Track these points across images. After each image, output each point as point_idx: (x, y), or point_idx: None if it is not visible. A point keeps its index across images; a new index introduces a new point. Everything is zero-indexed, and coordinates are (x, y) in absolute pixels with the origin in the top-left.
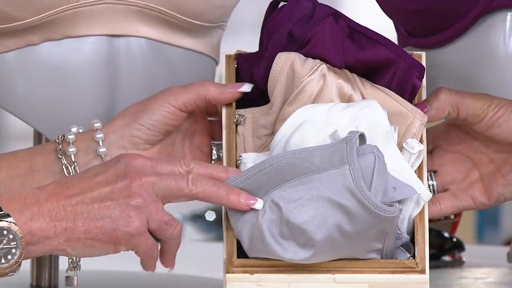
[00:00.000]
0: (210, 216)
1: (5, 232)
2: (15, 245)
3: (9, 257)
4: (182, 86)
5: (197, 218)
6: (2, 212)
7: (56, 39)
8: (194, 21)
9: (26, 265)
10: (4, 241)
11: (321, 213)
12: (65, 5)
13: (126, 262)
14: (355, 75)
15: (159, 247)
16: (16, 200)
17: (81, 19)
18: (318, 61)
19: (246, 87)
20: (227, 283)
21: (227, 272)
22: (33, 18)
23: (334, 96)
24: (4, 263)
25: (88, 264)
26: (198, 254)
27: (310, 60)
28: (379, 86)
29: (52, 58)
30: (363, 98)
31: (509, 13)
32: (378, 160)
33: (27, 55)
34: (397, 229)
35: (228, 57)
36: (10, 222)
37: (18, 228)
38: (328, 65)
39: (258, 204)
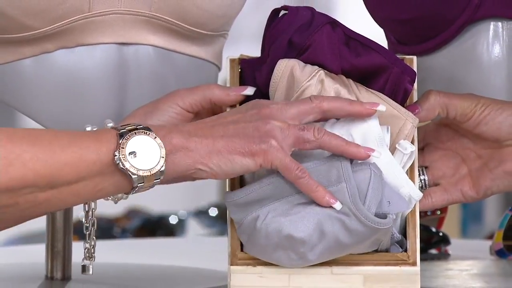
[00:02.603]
0: (213, 212)
1: (145, 141)
2: (156, 153)
3: (152, 163)
4: (189, 88)
5: (201, 214)
6: (142, 126)
7: (70, 47)
8: (198, 30)
9: (41, 257)
10: (146, 149)
11: (320, 226)
12: (78, 15)
13: (133, 255)
14: (351, 80)
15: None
16: (155, 125)
17: (92, 28)
18: (316, 67)
19: (249, 90)
20: (231, 275)
21: (231, 265)
22: (48, 28)
23: None
24: (147, 168)
25: (100, 256)
26: (202, 248)
27: (309, 66)
28: (373, 91)
29: (66, 64)
30: (358, 99)
31: (492, 23)
32: (373, 176)
33: (42, 62)
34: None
35: (232, 61)
36: (150, 132)
37: (157, 137)
38: (325, 71)
39: (376, 153)
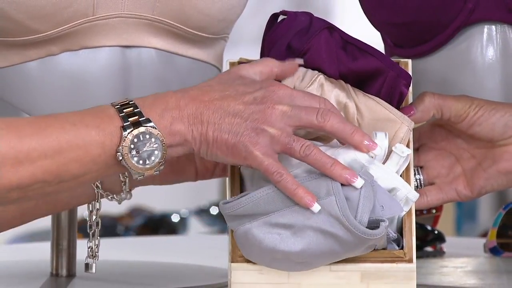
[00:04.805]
0: (214, 210)
1: (147, 136)
2: (157, 147)
3: (153, 158)
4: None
5: (202, 212)
6: (144, 118)
7: (74, 49)
8: (200, 33)
9: (46, 255)
10: (147, 144)
11: (314, 242)
12: (82, 19)
13: (136, 253)
14: (348, 85)
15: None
16: (158, 105)
17: (96, 31)
18: (316, 72)
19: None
20: (232, 272)
21: (232, 262)
22: (53, 31)
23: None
24: (148, 163)
25: (104, 254)
26: (203, 246)
27: (309, 71)
28: (369, 95)
29: (70, 67)
30: (356, 106)
31: (486, 26)
32: (364, 184)
33: (47, 65)
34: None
35: (232, 64)
36: (151, 127)
37: (158, 132)
38: (324, 75)
39: (377, 150)
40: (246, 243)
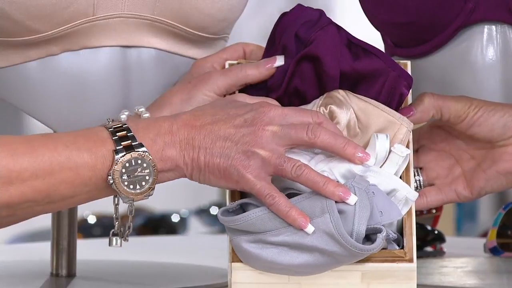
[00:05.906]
0: (214, 210)
1: (139, 162)
2: (148, 173)
3: (143, 183)
4: (221, 71)
5: (202, 212)
6: (136, 142)
7: (74, 49)
8: (200, 33)
9: (46, 255)
10: (139, 170)
11: (311, 259)
12: (82, 19)
13: (136, 252)
14: (344, 92)
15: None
16: (151, 129)
17: (97, 31)
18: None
19: (279, 61)
20: (232, 272)
21: (232, 262)
22: (53, 31)
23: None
24: (139, 188)
25: (104, 253)
26: (203, 246)
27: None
28: (367, 99)
29: (71, 67)
30: (354, 111)
31: (486, 26)
32: (358, 193)
33: (47, 65)
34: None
35: (231, 65)
36: (144, 152)
37: (150, 157)
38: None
39: (371, 161)
40: (244, 253)
